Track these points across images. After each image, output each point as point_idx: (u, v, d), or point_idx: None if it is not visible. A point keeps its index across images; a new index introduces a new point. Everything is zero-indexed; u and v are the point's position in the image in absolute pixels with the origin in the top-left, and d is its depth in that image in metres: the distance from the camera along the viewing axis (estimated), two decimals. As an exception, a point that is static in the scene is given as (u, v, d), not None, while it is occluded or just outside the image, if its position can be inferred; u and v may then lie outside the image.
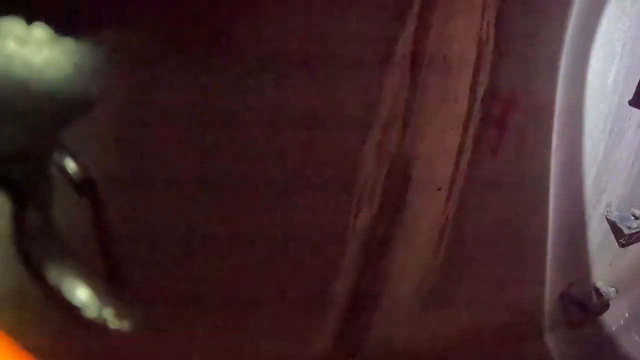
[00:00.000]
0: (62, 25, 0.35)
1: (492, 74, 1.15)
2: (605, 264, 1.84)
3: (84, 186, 0.47)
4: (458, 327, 1.38)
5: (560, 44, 1.37)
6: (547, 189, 1.46)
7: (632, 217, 1.77)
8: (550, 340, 1.69)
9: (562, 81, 1.40)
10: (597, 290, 1.84)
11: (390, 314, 1.16)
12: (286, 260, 0.95)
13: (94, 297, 0.35)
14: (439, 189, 1.13)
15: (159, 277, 0.79)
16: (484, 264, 1.38)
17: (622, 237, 1.73)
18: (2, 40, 0.32)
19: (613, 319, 1.90)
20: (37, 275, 0.34)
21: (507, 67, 1.20)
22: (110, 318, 0.36)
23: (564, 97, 1.42)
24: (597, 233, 1.73)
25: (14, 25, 0.32)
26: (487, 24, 1.13)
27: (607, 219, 1.72)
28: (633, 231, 1.73)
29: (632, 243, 1.79)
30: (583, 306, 1.75)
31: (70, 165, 0.45)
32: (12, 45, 0.32)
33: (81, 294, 0.34)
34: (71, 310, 0.34)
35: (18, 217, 0.34)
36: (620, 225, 1.70)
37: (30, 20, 0.34)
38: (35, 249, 0.34)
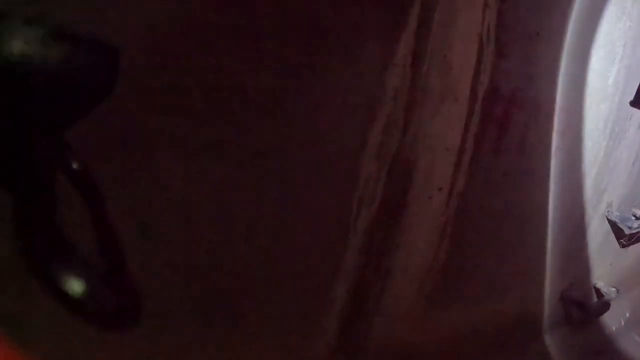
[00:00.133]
0: (65, 25, 0.35)
1: (492, 74, 1.15)
2: (606, 264, 1.84)
3: (84, 184, 0.47)
4: (459, 327, 1.38)
5: (561, 44, 1.37)
6: (548, 189, 1.46)
7: (633, 217, 1.77)
8: (551, 340, 1.69)
9: (563, 81, 1.40)
10: (597, 290, 1.83)
11: (391, 313, 1.16)
12: (287, 260, 0.95)
13: (94, 292, 0.35)
14: (439, 189, 1.13)
15: (159, 273, 0.79)
16: (485, 264, 1.38)
17: (623, 237, 1.73)
18: (5, 39, 0.32)
19: (614, 319, 1.90)
20: (38, 271, 0.34)
21: (508, 67, 1.20)
22: (111, 312, 0.36)
23: (564, 97, 1.42)
24: (597, 233, 1.72)
25: (18, 24, 0.32)
26: (488, 24, 1.13)
27: (607, 219, 1.72)
28: (634, 231, 1.73)
29: (632, 243, 1.79)
30: (584, 306, 1.75)
31: (71, 163, 0.45)
32: (15, 43, 0.32)
33: (82, 289, 0.35)
34: (72, 305, 0.35)
35: (19, 214, 0.34)
36: (621, 226, 1.70)
37: (34, 19, 0.34)
38: (37, 245, 0.34)
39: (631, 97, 1.60)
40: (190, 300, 0.86)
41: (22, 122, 0.35)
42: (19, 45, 0.33)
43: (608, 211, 1.72)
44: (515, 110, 1.28)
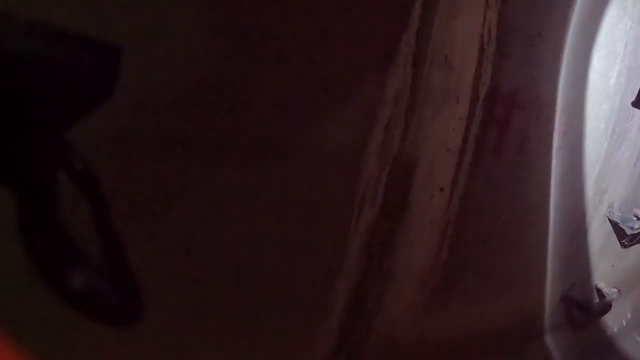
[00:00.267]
0: (67, 26, 0.36)
1: (494, 74, 1.15)
2: (608, 265, 1.84)
3: (86, 183, 0.47)
4: (460, 327, 1.37)
5: (562, 44, 1.37)
6: (549, 189, 1.46)
7: (635, 218, 1.76)
8: (552, 341, 1.69)
9: (564, 82, 1.40)
10: (599, 291, 1.83)
11: (392, 314, 1.16)
12: (288, 260, 0.95)
13: (97, 290, 0.35)
14: (441, 189, 1.13)
15: (158, 274, 0.80)
16: (486, 264, 1.37)
17: (625, 238, 1.73)
18: (9, 37, 0.32)
19: (615, 320, 1.89)
20: (42, 269, 0.34)
21: (509, 68, 1.20)
22: (112, 310, 0.36)
23: (565, 97, 1.42)
24: (599, 234, 1.72)
25: (21, 24, 0.33)
26: (489, 24, 1.13)
27: (609, 219, 1.72)
28: (635, 232, 1.72)
29: (634, 244, 1.78)
30: (585, 307, 1.75)
31: (73, 163, 0.45)
32: (19, 41, 0.32)
33: (85, 286, 0.35)
34: (75, 303, 0.35)
35: (23, 213, 0.34)
36: (622, 226, 1.70)
37: (36, 19, 0.34)
38: (40, 243, 0.34)
39: (633, 98, 1.60)
40: (190, 301, 0.86)
41: (24, 121, 0.35)
42: (21, 45, 0.33)
43: (609, 212, 1.72)
44: (516, 111, 1.27)
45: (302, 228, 0.94)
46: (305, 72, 0.85)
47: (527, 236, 1.47)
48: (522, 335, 1.61)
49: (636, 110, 1.61)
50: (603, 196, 1.69)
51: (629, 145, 1.70)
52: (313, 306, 1.03)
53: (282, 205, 0.90)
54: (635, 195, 1.82)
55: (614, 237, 1.76)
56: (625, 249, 1.81)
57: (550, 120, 1.40)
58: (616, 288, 1.82)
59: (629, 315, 1.96)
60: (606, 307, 1.80)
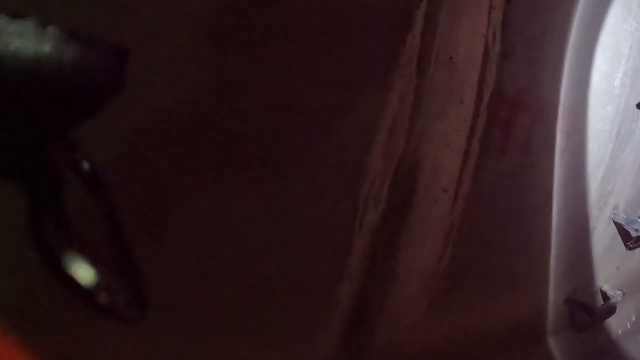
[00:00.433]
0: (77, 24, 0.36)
1: (498, 75, 1.15)
2: (612, 267, 1.83)
3: (92, 183, 0.47)
4: (463, 329, 1.37)
5: (567, 45, 1.37)
6: (553, 191, 1.45)
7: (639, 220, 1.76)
8: (555, 344, 1.68)
9: (568, 83, 1.39)
10: (603, 293, 1.82)
11: (395, 316, 1.16)
12: (291, 261, 0.95)
13: (105, 285, 0.36)
14: (445, 191, 1.12)
15: (162, 275, 0.80)
16: (490, 266, 1.37)
17: (630, 240, 1.72)
18: (15, 36, 0.32)
19: (619, 322, 1.88)
20: (50, 263, 0.35)
21: (514, 69, 1.20)
22: (120, 305, 0.37)
23: (569, 99, 1.42)
24: (603, 236, 1.71)
25: (28, 22, 0.33)
26: (494, 25, 1.13)
27: (614, 221, 1.71)
28: (640, 234, 1.71)
29: (639, 246, 1.78)
30: (589, 309, 1.74)
31: (81, 162, 0.45)
32: (25, 41, 0.33)
33: (94, 281, 0.36)
34: (84, 298, 0.36)
35: (32, 210, 0.35)
36: (627, 228, 1.69)
37: (45, 19, 0.34)
38: (49, 239, 0.35)
39: (638, 99, 1.59)
40: (192, 301, 0.86)
41: (32, 121, 0.35)
42: (30, 45, 0.33)
43: (614, 214, 1.71)
44: (520, 112, 1.27)
45: (305, 229, 0.94)
46: (308, 73, 0.85)
47: (531, 238, 1.47)
48: (525, 338, 1.60)
49: (641, 112, 1.61)
50: (608, 198, 1.68)
51: (634, 147, 1.69)
52: (316, 307, 1.03)
53: (285, 206, 0.90)
54: (641, 197, 1.81)
55: (619, 240, 1.75)
56: (630, 252, 1.80)
57: (554, 121, 1.39)
58: (621, 290, 1.81)
59: (633, 318, 1.95)
60: (611, 309, 1.80)
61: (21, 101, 0.34)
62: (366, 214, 1.00)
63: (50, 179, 0.37)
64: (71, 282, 0.36)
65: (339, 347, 1.09)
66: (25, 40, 0.33)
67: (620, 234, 1.73)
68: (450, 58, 1.04)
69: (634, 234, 1.69)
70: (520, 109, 1.27)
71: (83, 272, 0.35)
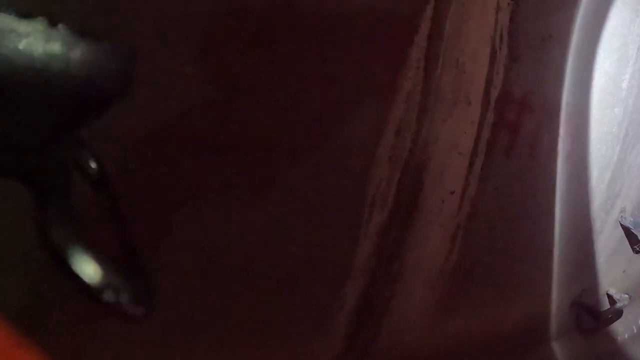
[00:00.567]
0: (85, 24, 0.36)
1: (505, 77, 1.14)
2: (619, 271, 1.82)
3: (100, 181, 0.48)
4: (468, 332, 1.36)
5: (575, 46, 1.36)
6: (560, 193, 1.44)
7: (647, 223, 1.74)
8: (561, 347, 1.67)
9: (575, 85, 1.39)
10: (610, 297, 1.81)
11: (401, 317, 1.15)
12: (297, 261, 0.94)
13: (111, 283, 0.36)
14: (452, 193, 1.12)
15: (171, 271, 0.80)
16: (496, 269, 1.36)
17: (637, 243, 1.71)
18: (24, 36, 0.32)
19: (626, 326, 1.87)
20: (57, 261, 0.35)
21: (521, 70, 1.20)
22: (126, 303, 0.37)
23: (577, 101, 1.41)
24: (610, 239, 1.70)
25: (37, 22, 0.33)
26: (501, 26, 1.12)
27: (621, 224, 1.70)
28: (648, 237, 1.70)
29: (646, 250, 1.76)
30: (595, 313, 1.73)
31: (88, 161, 0.46)
32: (34, 41, 0.33)
33: (100, 280, 0.36)
34: (90, 295, 0.36)
35: (38, 208, 0.35)
36: (634, 231, 1.68)
37: (55, 20, 0.34)
38: (55, 237, 0.35)
39: (646, 101, 1.58)
40: (197, 300, 0.86)
41: (40, 120, 0.35)
42: (39, 44, 0.33)
43: (621, 217, 1.70)
44: (527, 114, 1.27)
45: (312, 230, 0.94)
46: (315, 75, 0.85)
47: (538, 241, 1.46)
48: (531, 341, 1.59)
49: (649, 114, 1.60)
50: (615, 201, 1.67)
51: (642, 150, 1.68)
52: (321, 308, 1.03)
53: (292, 207, 0.90)
54: (648, 200, 1.79)
55: (626, 243, 1.74)
56: (637, 255, 1.79)
57: (561, 123, 1.38)
58: (627, 294, 1.80)
59: (640, 322, 1.93)
60: (617, 313, 1.78)
61: (28, 100, 0.34)
62: (372, 216, 0.99)
63: (57, 177, 0.37)
64: (76, 280, 0.36)
65: (343, 348, 1.09)
66: (34, 39, 0.33)
67: (627, 237, 1.72)
68: (458, 60, 1.04)
69: (641, 237, 1.68)
70: (527, 111, 1.26)
71: (88, 270, 0.35)
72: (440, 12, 0.99)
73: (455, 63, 1.03)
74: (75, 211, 0.36)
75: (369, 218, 0.99)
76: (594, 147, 1.51)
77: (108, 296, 0.35)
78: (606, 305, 1.80)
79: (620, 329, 1.85)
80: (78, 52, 0.34)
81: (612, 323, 1.79)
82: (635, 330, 1.89)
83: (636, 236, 1.68)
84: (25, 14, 0.32)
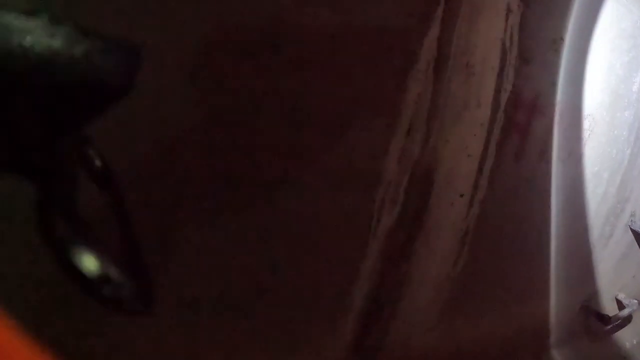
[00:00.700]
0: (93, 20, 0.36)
1: (516, 79, 1.14)
2: (629, 276, 1.80)
3: (104, 179, 0.48)
4: (476, 334, 1.35)
5: (584, 49, 1.35)
6: (570, 197, 1.43)
7: (657, 228, 1.72)
8: (569, 352, 1.65)
9: (585, 87, 1.37)
10: (619, 302, 1.79)
11: (408, 320, 1.15)
12: (306, 263, 0.94)
13: (111, 277, 0.36)
14: (461, 196, 1.11)
15: (177, 274, 0.80)
16: (504, 272, 1.35)
17: (647, 248, 1.69)
18: (29, 33, 0.33)
19: (635, 332, 1.85)
20: (58, 255, 0.35)
21: (531, 73, 1.19)
22: (125, 298, 0.37)
23: (587, 103, 1.40)
24: (620, 243, 1.69)
25: (41, 20, 0.33)
26: (511, 29, 1.12)
27: (631, 229, 1.68)
28: (658, 242, 1.68)
29: (657, 254, 1.74)
30: (604, 318, 1.71)
31: (92, 158, 0.46)
32: (38, 38, 0.33)
33: (100, 274, 0.36)
34: (91, 290, 0.36)
35: (42, 204, 0.35)
36: (645, 236, 1.66)
37: (59, 17, 0.34)
38: (57, 232, 0.35)
39: (657, 105, 1.56)
40: (207, 301, 0.86)
41: (43, 115, 0.35)
42: (44, 41, 0.34)
43: (631, 221, 1.68)
44: (537, 117, 1.26)
45: (321, 232, 0.93)
46: (325, 78, 0.85)
47: (547, 244, 1.45)
48: (539, 345, 1.58)
49: (660, 117, 1.58)
50: (625, 205, 1.65)
51: (653, 153, 1.66)
52: (329, 310, 1.03)
53: (301, 210, 0.90)
54: (658, 204, 1.77)
55: (636, 247, 1.72)
56: (647, 259, 1.77)
57: (571, 126, 1.37)
58: (637, 299, 1.78)
59: (649, 327, 1.91)
60: (626, 319, 1.76)
61: (33, 95, 0.34)
62: (382, 218, 0.99)
63: (60, 173, 0.37)
64: (77, 274, 0.36)
65: (350, 349, 1.08)
66: (38, 36, 0.33)
67: (637, 241, 1.70)
68: (467, 62, 1.03)
69: (651, 241, 1.66)
70: (537, 114, 1.25)
71: (90, 265, 0.35)
72: (451, 15, 0.98)
73: (465, 66, 1.03)
74: (77, 206, 0.37)
75: (378, 220, 0.99)
76: (604, 150, 1.50)
77: (108, 291, 0.35)
78: (615, 310, 1.78)
79: (629, 335, 1.83)
80: (81, 49, 0.34)
81: (621, 328, 1.77)
82: (644, 336, 1.87)
83: (646, 240, 1.66)
84: (29, 11, 0.33)
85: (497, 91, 1.11)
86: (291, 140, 0.85)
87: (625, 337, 1.82)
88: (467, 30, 1.02)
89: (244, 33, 0.75)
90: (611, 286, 1.76)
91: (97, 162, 0.45)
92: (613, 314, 1.76)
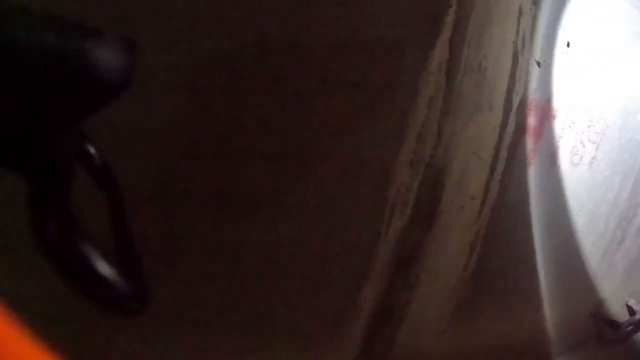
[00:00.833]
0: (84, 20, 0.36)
1: (527, 82, 1.13)
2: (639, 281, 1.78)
3: (103, 178, 0.48)
4: (485, 339, 1.34)
5: (597, 53, 1.34)
6: (582, 201, 1.42)
7: (670, 233, 1.70)
8: (580, 358, 1.64)
9: (598, 91, 1.36)
10: (629, 308, 1.77)
11: (418, 323, 1.14)
12: (317, 265, 0.94)
13: (106, 278, 0.36)
14: (472, 198, 1.11)
15: (183, 278, 0.80)
16: (514, 276, 1.34)
17: (659, 253, 1.67)
18: (22, 29, 0.33)
19: (646, 338, 1.82)
20: (51, 253, 0.35)
21: (543, 76, 1.18)
22: (121, 299, 0.37)
23: (599, 108, 1.38)
24: (632, 248, 1.66)
25: (34, 15, 0.34)
26: (523, 31, 1.11)
27: (643, 233, 1.66)
28: (670, 247, 1.66)
29: (669, 260, 1.72)
30: (615, 324, 1.69)
31: (91, 155, 0.46)
32: (31, 33, 0.33)
33: (95, 274, 0.36)
34: (82, 288, 0.36)
35: (37, 201, 0.35)
36: (657, 241, 1.64)
37: (52, 13, 0.35)
38: (51, 229, 0.35)
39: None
40: (216, 304, 0.86)
41: (41, 112, 0.35)
42: (38, 38, 0.34)
43: (644, 226, 1.66)
44: (548, 120, 1.25)
45: (332, 233, 0.93)
46: (337, 80, 0.85)
47: (557, 250, 1.43)
48: (548, 351, 1.56)
49: (673, 121, 1.56)
50: (637, 209, 1.63)
51: (666, 157, 1.64)
52: (339, 311, 1.02)
53: (313, 210, 0.90)
54: (671, 209, 1.75)
55: (648, 252, 1.70)
56: (659, 265, 1.74)
57: (583, 130, 1.36)
58: (649, 305, 1.76)
59: (661, 334, 1.88)
60: (637, 324, 1.74)
61: (27, 91, 0.34)
62: (392, 220, 0.99)
63: (55, 169, 0.37)
64: (70, 274, 0.36)
65: (360, 351, 1.08)
66: (31, 32, 0.33)
67: (649, 246, 1.68)
68: (480, 65, 1.03)
69: (664, 247, 1.64)
70: (549, 117, 1.24)
71: (83, 264, 0.35)
72: (463, 17, 0.98)
73: (477, 68, 1.02)
74: (72, 203, 0.37)
75: (389, 223, 0.98)
76: (616, 154, 1.48)
77: (102, 291, 0.35)
78: (626, 316, 1.76)
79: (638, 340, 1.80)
80: (74, 44, 0.34)
81: (633, 334, 1.75)
82: (656, 343, 1.84)
83: (659, 246, 1.64)
84: (23, 6, 0.33)
85: (509, 94, 1.10)
86: (303, 141, 0.85)
87: (636, 343, 1.80)
88: (480, 33, 1.02)
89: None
90: (622, 292, 1.74)
91: (97, 160, 0.45)
92: (624, 319, 1.73)
